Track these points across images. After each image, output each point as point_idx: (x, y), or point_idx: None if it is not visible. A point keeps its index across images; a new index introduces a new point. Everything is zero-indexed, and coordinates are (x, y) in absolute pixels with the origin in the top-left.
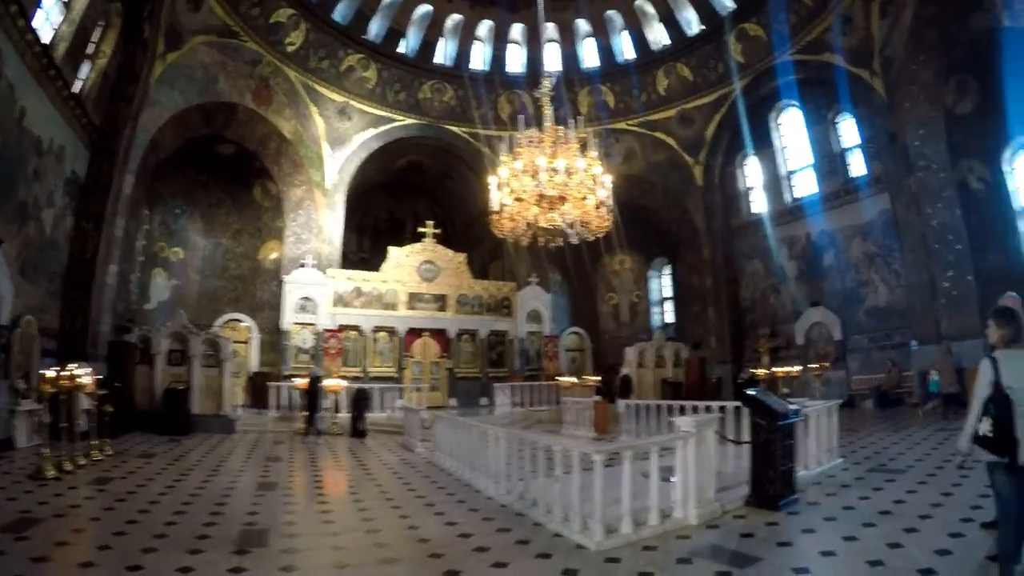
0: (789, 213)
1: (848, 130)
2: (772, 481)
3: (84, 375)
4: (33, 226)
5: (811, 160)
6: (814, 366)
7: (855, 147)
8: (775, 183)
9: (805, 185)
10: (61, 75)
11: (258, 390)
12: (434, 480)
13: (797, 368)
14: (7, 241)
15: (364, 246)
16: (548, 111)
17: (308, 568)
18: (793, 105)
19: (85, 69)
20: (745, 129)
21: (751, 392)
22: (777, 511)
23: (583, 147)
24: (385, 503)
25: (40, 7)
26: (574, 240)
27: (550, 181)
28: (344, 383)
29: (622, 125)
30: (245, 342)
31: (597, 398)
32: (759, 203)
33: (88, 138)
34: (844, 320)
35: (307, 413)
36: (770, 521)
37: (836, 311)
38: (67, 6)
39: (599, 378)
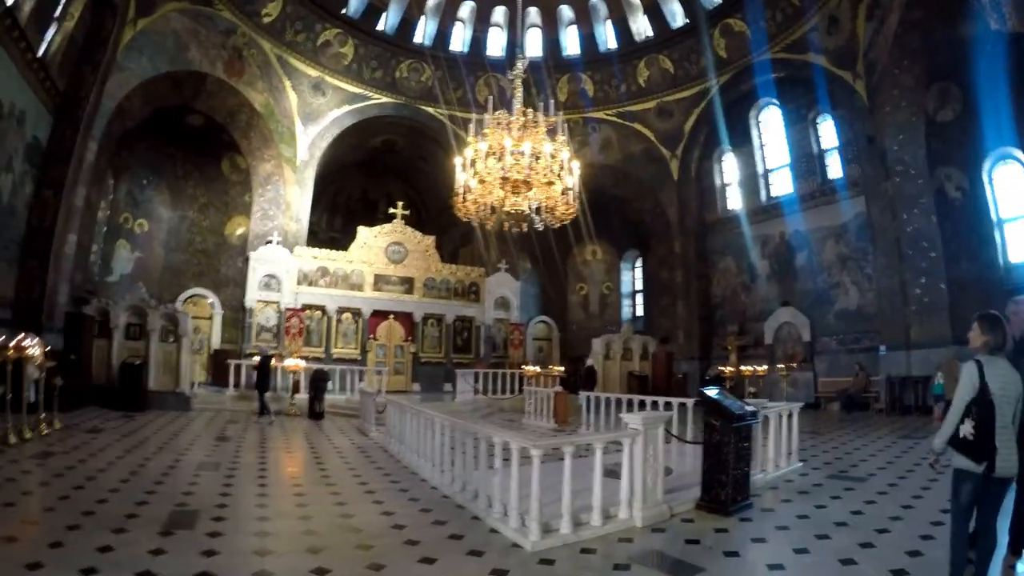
0: (764, 211)
1: (827, 131)
2: (724, 485)
3: (31, 346)
4: None
5: (788, 159)
6: (781, 366)
7: (833, 149)
8: (752, 180)
9: (782, 184)
10: (25, 37)
11: (220, 368)
12: (381, 467)
13: (764, 367)
14: None
15: (335, 225)
16: (519, 93)
17: (229, 553)
18: (773, 103)
19: (51, 32)
20: (722, 125)
21: (706, 391)
22: (728, 516)
23: (552, 132)
24: (325, 488)
25: None
26: (539, 226)
27: (515, 164)
28: (303, 363)
29: (601, 114)
30: (208, 318)
31: (558, 388)
32: (735, 200)
33: (52, 103)
34: (814, 321)
35: (257, 393)
36: (720, 527)
37: (806, 312)
38: None
39: (563, 368)
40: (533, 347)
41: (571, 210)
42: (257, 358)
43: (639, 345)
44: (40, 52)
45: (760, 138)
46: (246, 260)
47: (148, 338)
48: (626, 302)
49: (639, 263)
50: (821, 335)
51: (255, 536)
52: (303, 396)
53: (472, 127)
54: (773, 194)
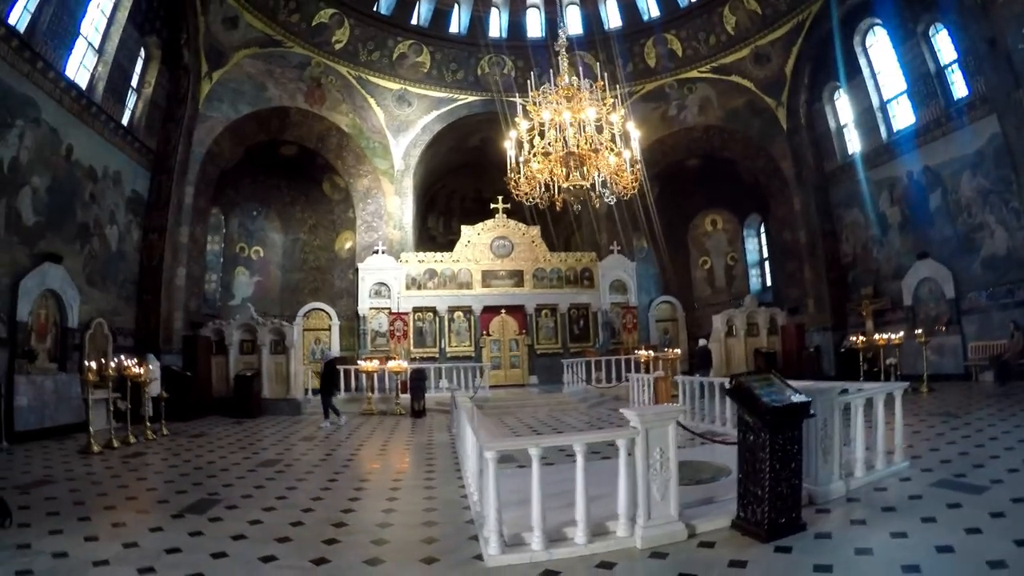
0: (887, 150)
1: (944, 44)
2: (759, 501)
3: (132, 366)
4: (97, 242)
5: (905, 85)
6: (919, 331)
7: (952, 63)
8: (868, 117)
9: (902, 116)
10: (103, 111)
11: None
12: (432, 466)
13: (900, 335)
14: (70, 258)
15: (453, 228)
16: (565, 64)
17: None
18: (877, 23)
19: (133, 100)
20: (838, 49)
21: (742, 377)
22: (765, 543)
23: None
24: (346, 486)
25: (70, 55)
26: (609, 199)
27: (574, 137)
28: (405, 364)
29: (693, 73)
30: (327, 329)
31: (659, 373)
32: (854, 143)
33: (146, 160)
34: (957, 274)
35: (322, 397)
36: (740, 559)
37: (948, 263)
38: (99, 50)
39: (678, 351)
40: (658, 329)
41: (635, 181)
42: (372, 364)
43: (765, 318)
44: (125, 119)
45: (871, 66)
46: (356, 272)
47: (259, 352)
48: (753, 272)
49: (763, 228)
50: (968, 290)
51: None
52: (407, 396)
53: (519, 106)
54: (894, 129)
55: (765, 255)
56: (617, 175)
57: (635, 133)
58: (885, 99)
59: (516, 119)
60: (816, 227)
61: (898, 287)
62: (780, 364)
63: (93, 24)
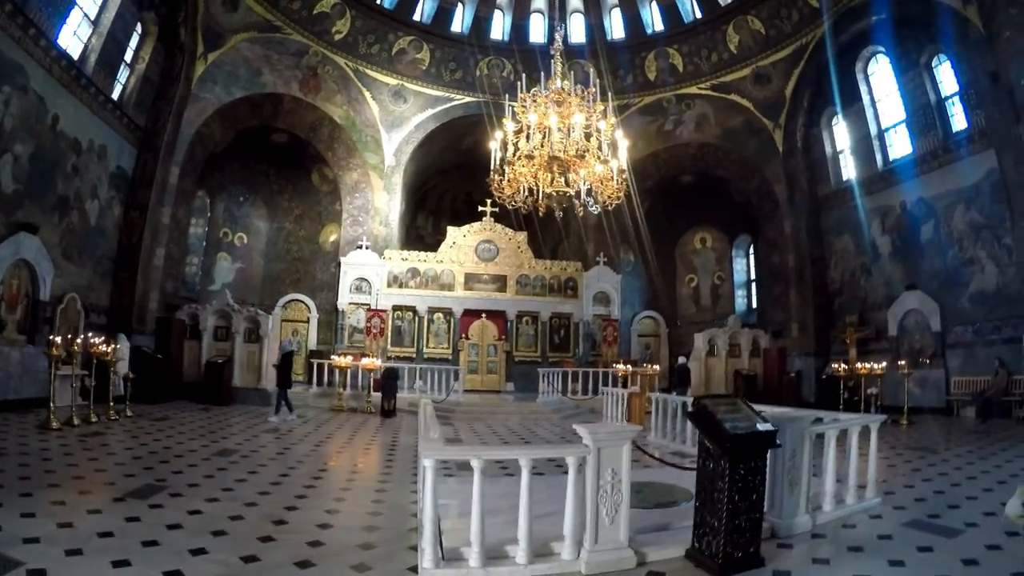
0: (881, 179)
1: (946, 76)
2: (715, 533)
3: (100, 344)
4: (76, 215)
5: (904, 115)
6: (902, 363)
7: (953, 95)
8: (865, 144)
9: (899, 145)
10: (93, 83)
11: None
12: (390, 466)
13: (883, 365)
14: (47, 229)
15: (442, 228)
16: (559, 68)
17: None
18: (880, 52)
19: (125, 76)
20: (833, 75)
21: (703, 400)
22: None
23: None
24: (296, 482)
25: (64, 24)
26: (593, 208)
27: (561, 142)
28: (379, 362)
29: (692, 89)
30: (305, 321)
31: (634, 388)
32: (849, 169)
33: (134, 136)
34: (944, 307)
35: (277, 391)
36: None
37: (935, 296)
38: (94, 22)
39: (657, 367)
40: (639, 344)
41: (620, 191)
42: (346, 359)
43: (748, 340)
44: (116, 94)
45: (870, 94)
46: (338, 265)
47: (233, 339)
48: (739, 292)
49: (752, 249)
50: (953, 324)
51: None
52: (378, 395)
53: (508, 107)
54: (890, 157)
55: (753, 276)
56: (603, 184)
57: (623, 142)
58: (883, 127)
59: (503, 119)
60: (805, 251)
61: (884, 317)
62: (760, 387)
63: None
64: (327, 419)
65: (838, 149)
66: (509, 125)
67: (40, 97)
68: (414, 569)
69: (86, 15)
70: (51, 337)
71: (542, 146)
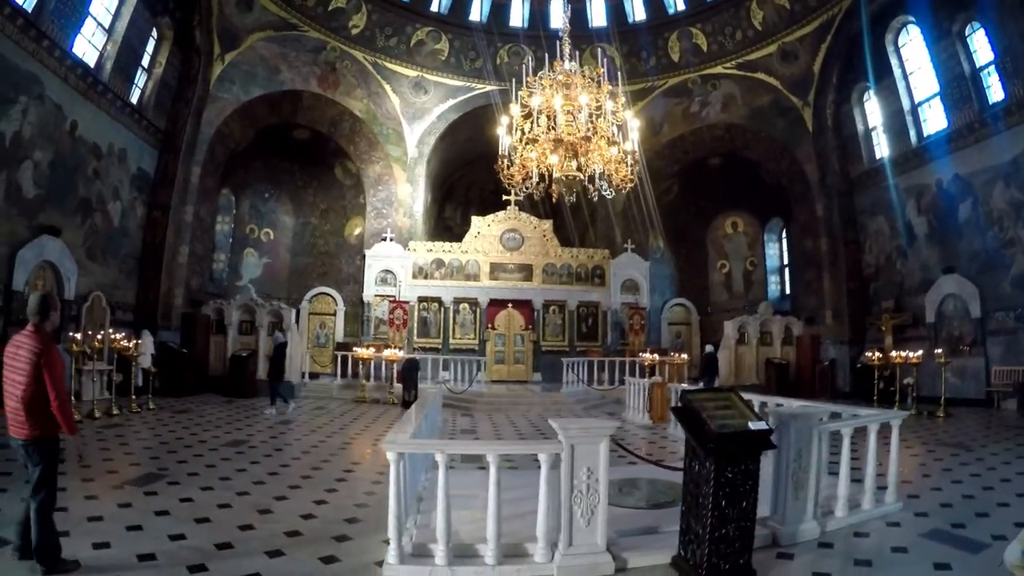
0: (916, 156)
1: (980, 44)
2: (700, 542)
3: (121, 339)
4: (99, 217)
5: (937, 87)
6: (939, 351)
7: (989, 64)
8: (898, 120)
9: (933, 120)
10: (110, 89)
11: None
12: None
13: (918, 353)
14: (70, 231)
15: (470, 219)
16: (567, 49)
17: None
18: (910, 22)
19: (143, 80)
20: (866, 46)
21: (691, 391)
22: None
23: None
24: (294, 473)
25: (77, 34)
26: (607, 193)
27: (569, 124)
28: (400, 353)
29: (718, 69)
30: (332, 314)
31: (656, 379)
32: (883, 147)
33: (154, 139)
34: (984, 292)
35: (269, 383)
36: None
37: (975, 280)
38: (108, 30)
39: (685, 356)
40: (670, 333)
41: (630, 177)
42: (367, 351)
43: (780, 327)
44: (135, 98)
45: (902, 67)
46: (363, 258)
47: (257, 333)
48: (772, 278)
49: (784, 234)
50: (994, 310)
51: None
52: (399, 386)
53: (515, 94)
54: (924, 133)
55: (786, 261)
56: (615, 168)
57: (634, 123)
58: (917, 102)
59: (510, 104)
60: (838, 234)
61: (921, 302)
62: (792, 376)
63: (103, 4)
64: (347, 410)
65: (870, 126)
66: (515, 109)
67: (57, 105)
68: (381, 563)
69: (100, 24)
70: (70, 334)
71: (549, 130)
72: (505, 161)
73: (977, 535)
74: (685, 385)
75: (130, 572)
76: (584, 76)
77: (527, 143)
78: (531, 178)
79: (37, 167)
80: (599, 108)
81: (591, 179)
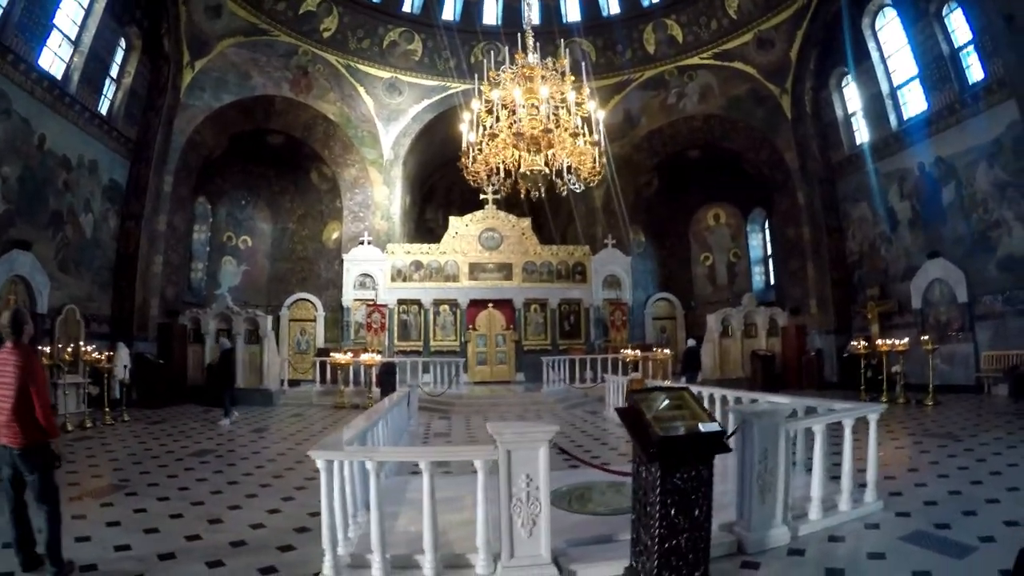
0: (896, 140)
1: (958, 24)
2: (648, 553)
3: (92, 352)
4: (70, 229)
5: (916, 70)
6: (925, 338)
7: (968, 44)
8: (877, 104)
9: (913, 103)
10: (77, 101)
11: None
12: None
13: (904, 341)
14: (41, 245)
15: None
16: (530, 41)
17: None
18: (886, 4)
19: (112, 91)
20: (845, 28)
21: (632, 396)
22: None
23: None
24: (254, 482)
25: (43, 47)
26: (575, 187)
27: (532, 119)
28: (378, 357)
29: (694, 60)
30: (312, 320)
31: (634, 375)
32: (863, 132)
33: (125, 148)
34: (970, 276)
35: (222, 392)
36: None
37: (960, 264)
38: (75, 42)
39: (668, 351)
40: (655, 328)
41: (597, 169)
42: (345, 356)
43: (764, 319)
44: (104, 109)
45: (879, 50)
46: (342, 262)
47: (233, 341)
48: (756, 269)
49: (767, 224)
50: (981, 294)
51: None
52: (378, 390)
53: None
54: (904, 117)
55: (769, 252)
56: (580, 161)
57: (599, 114)
58: (896, 85)
59: (472, 100)
60: (821, 222)
61: (907, 288)
62: (779, 368)
63: (69, 16)
64: (324, 416)
65: (850, 112)
66: (475, 104)
67: (24, 119)
68: (317, 574)
69: (66, 36)
70: (38, 347)
71: (510, 126)
72: (467, 158)
73: (962, 537)
74: (668, 383)
75: None
76: (547, 68)
77: (489, 137)
78: (496, 174)
79: (5, 182)
80: (563, 100)
81: (559, 174)
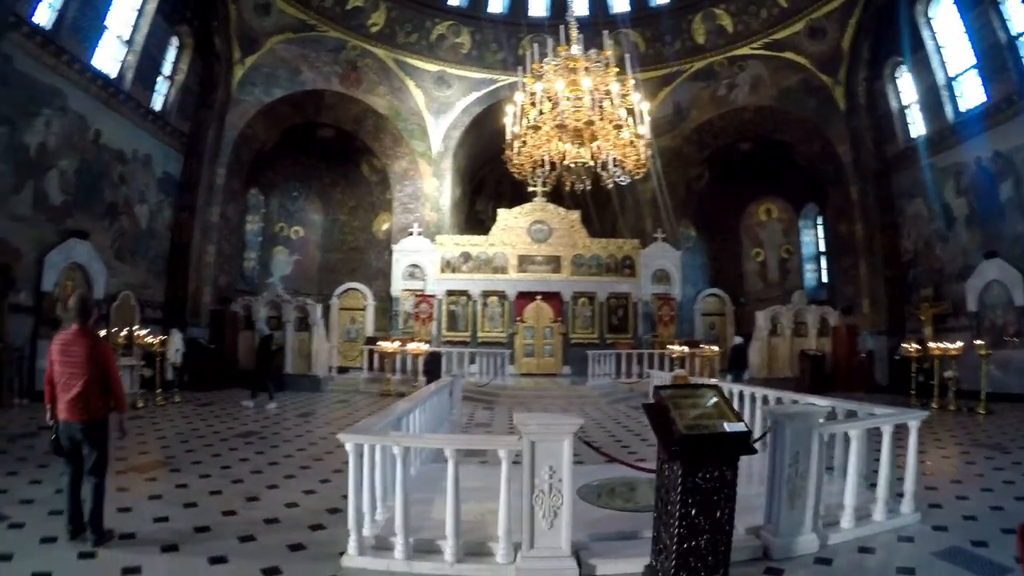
0: (952, 133)
1: (1014, 10)
2: (667, 552)
3: (145, 336)
4: (126, 220)
5: (974, 59)
6: (980, 342)
7: None
8: (932, 95)
9: (971, 94)
10: (132, 98)
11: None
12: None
13: (957, 345)
14: (98, 234)
15: None
16: (573, 32)
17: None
18: None
19: (166, 88)
20: (901, 20)
21: (659, 392)
22: None
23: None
24: (293, 464)
25: (96, 47)
26: (621, 180)
27: (576, 111)
28: (424, 347)
29: (744, 50)
30: (362, 309)
31: (679, 371)
32: (918, 125)
33: (179, 143)
34: None
35: (256, 376)
36: None
37: (1018, 264)
38: (128, 41)
39: (715, 348)
40: (704, 324)
41: (643, 162)
42: (392, 344)
43: (815, 318)
44: (158, 105)
45: (934, 39)
46: (391, 253)
47: (284, 328)
48: (809, 266)
49: (820, 219)
50: None
51: None
52: (424, 379)
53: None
54: (960, 108)
55: (823, 249)
56: (624, 153)
57: (643, 105)
58: (951, 75)
59: (516, 93)
60: (874, 218)
61: (961, 289)
62: (828, 369)
63: (122, 17)
64: (369, 403)
65: (904, 103)
66: (518, 97)
67: (80, 115)
68: (342, 553)
69: (119, 37)
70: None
71: (554, 118)
72: (511, 151)
73: (999, 556)
74: (713, 380)
75: (107, 549)
76: (590, 59)
77: (532, 130)
78: (541, 166)
79: (63, 175)
80: (607, 92)
81: (604, 166)
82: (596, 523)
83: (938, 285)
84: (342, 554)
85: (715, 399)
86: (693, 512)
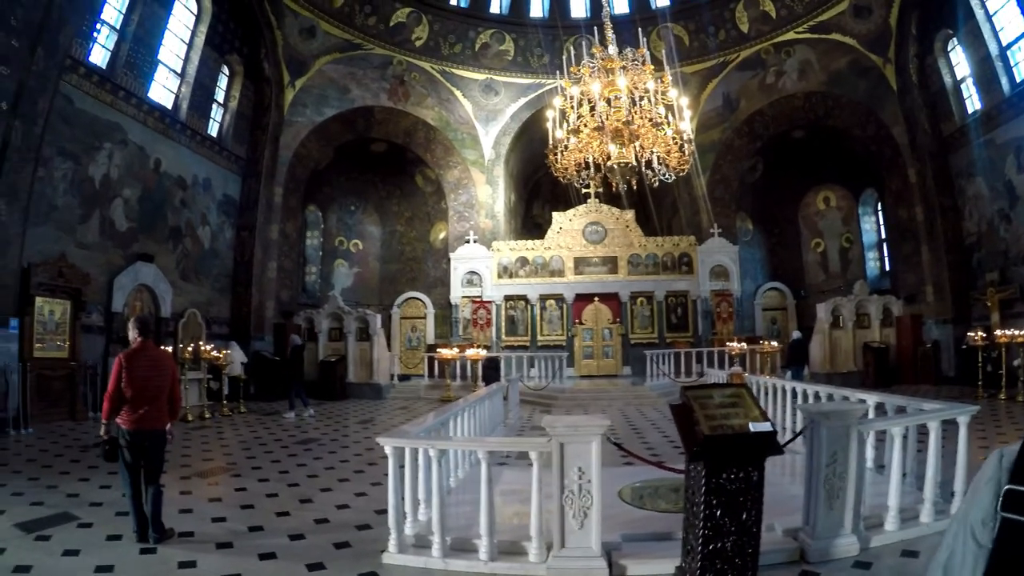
0: (1010, 106)
1: None
2: (693, 555)
3: (210, 350)
4: (189, 241)
5: None
6: None
7: None
8: (987, 67)
9: None
10: (187, 127)
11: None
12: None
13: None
14: (162, 257)
15: None
16: (608, 32)
17: None
18: None
19: (221, 115)
20: None
21: (685, 392)
22: None
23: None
24: (348, 469)
25: (151, 81)
26: (666, 177)
27: (616, 111)
28: (482, 352)
29: (790, 35)
30: (422, 318)
31: (735, 369)
32: (974, 99)
33: (236, 166)
34: None
35: (290, 386)
36: None
37: None
38: (180, 73)
39: (775, 344)
40: (765, 319)
41: (686, 158)
42: (452, 351)
43: (878, 308)
44: (214, 131)
45: (984, 7)
46: (449, 261)
47: (346, 339)
48: (870, 255)
49: (879, 205)
50: None
51: None
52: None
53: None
54: (1017, 79)
55: (884, 235)
56: (666, 151)
57: (682, 100)
58: (1005, 44)
59: (556, 96)
60: (934, 201)
61: None
62: (892, 361)
63: (173, 52)
64: (429, 409)
65: (959, 78)
66: (557, 101)
67: (140, 147)
68: (384, 550)
69: (172, 70)
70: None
71: (592, 119)
72: (553, 155)
73: None
74: (770, 379)
75: (166, 546)
76: (626, 59)
77: (573, 133)
78: (585, 168)
79: (127, 203)
80: (645, 90)
81: (648, 164)
82: (632, 523)
83: (1004, 268)
84: (383, 552)
85: (744, 399)
86: (718, 513)
